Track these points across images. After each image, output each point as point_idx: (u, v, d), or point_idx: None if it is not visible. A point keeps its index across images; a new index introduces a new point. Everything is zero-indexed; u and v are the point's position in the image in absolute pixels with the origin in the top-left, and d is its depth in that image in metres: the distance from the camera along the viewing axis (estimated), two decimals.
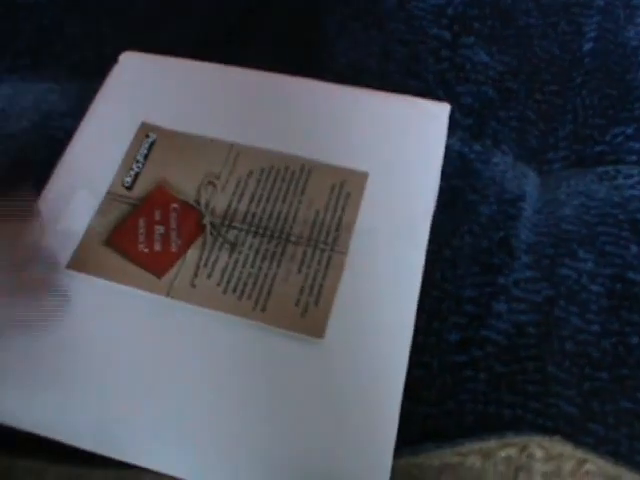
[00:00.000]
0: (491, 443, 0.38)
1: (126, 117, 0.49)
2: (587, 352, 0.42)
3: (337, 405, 0.39)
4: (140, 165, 0.47)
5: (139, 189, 0.46)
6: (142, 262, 0.43)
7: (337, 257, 0.43)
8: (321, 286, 0.42)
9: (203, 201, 0.45)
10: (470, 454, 0.38)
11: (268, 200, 0.45)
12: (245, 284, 0.42)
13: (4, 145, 0.53)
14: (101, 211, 0.45)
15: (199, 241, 0.44)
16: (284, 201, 0.45)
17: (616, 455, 0.38)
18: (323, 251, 0.43)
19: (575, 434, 0.39)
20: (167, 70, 0.52)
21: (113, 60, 0.51)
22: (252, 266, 0.43)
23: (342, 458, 0.37)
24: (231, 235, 0.44)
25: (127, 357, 0.41)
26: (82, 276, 0.43)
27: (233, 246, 0.44)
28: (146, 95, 0.51)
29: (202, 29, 0.53)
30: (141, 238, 0.44)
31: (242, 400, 0.39)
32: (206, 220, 0.45)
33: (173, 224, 0.45)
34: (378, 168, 0.46)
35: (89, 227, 0.45)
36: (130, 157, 0.47)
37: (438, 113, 0.49)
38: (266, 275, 0.43)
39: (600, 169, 0.52)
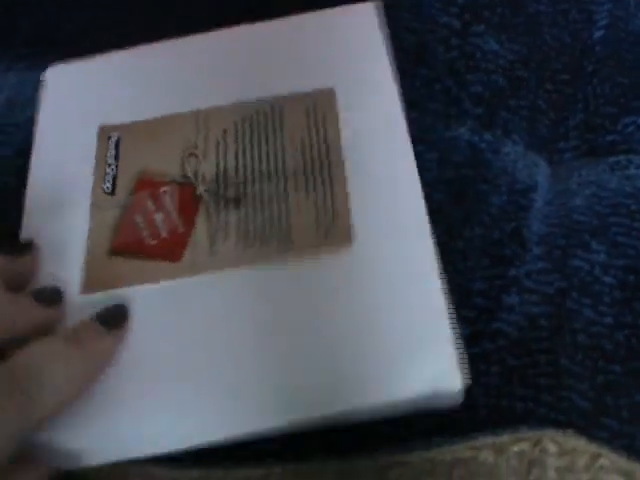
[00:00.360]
0: (504, 438, 0.38)
1: (80, 128, 0.49)
2: (600, 345, 0.42)
3: (386, 304, 0.40)
4: (114, 167, 0.47)
5: (122, 189, 0.46)
6: (155, 254, 0.43)
7: (337, 172, 0.44)
8: (333, 202, 0.43)
9: (191, 173, 0.45)
10: (483, 449, 0.37)
11: (252, 148, 0.46)
12: (263, 230, 0.43)
13: (9, 135, 0.53)
14: (93, 225, 0.45)
15: (202, 211, 0.44)
16: (267, 143, 0.46)
17: (630, 450, 0.38)
18: (322, 172, 0.44)
19: (588, 428, 0.39)
20: (101, 70, 0.52)
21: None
22: (262, 211, 0.43)
23: (407, 349, 0.38)
24: (231, 192, 0.44)
25: (171, 356, 0.40)
26: (99, 295, 0.42)
27: (237, 201, 0.44)
28: (93, 100, 0.51)
29: (201, 28, 0.53)
30: (145, 233, 0.44)
31: (292, 342, 0.39)
32: (200, 189, 0.45)
33: (170, 207, 0.44)
34: (338, 80, 0.48)
35: (87, 245, 0.44)
36: (101, 163, 0.47)
37: (365, 13, 0.51)
38: (279, 214, 0.43)
39: (612, 159, 0.51)
